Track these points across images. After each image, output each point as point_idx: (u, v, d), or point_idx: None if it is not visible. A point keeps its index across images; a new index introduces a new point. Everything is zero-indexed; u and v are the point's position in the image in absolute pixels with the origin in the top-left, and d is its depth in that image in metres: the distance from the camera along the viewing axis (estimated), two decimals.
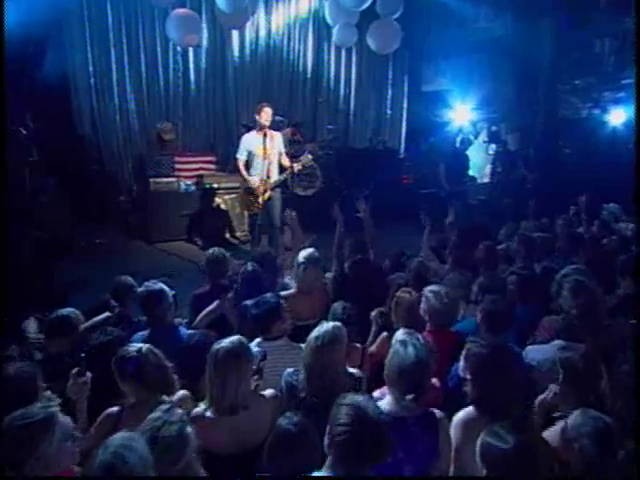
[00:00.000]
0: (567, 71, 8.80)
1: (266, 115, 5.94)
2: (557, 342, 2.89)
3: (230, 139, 9.44)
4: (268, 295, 3.12)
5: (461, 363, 2.51)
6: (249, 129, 6.47)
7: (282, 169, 6.23)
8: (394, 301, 3.17)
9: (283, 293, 3.62)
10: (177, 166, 7.82)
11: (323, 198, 8.55)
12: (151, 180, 7.42)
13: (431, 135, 11.84)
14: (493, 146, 11.93)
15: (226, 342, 2.34)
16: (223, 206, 7.81)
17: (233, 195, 7.64)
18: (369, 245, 4.35)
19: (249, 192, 6.12)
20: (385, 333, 3.11)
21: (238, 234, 7.80)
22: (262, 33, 9.87)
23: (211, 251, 3.97)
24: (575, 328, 2.94)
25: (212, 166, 8.55)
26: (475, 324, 3.17)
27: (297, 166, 6.22)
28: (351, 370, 2.64)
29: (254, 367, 2.45)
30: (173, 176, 7.65)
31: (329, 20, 9.63)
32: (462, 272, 3.95)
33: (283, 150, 6.28)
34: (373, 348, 3.11)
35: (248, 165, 6.14)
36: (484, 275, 3.95)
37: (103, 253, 6.92)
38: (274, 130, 6.31)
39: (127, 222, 7.80)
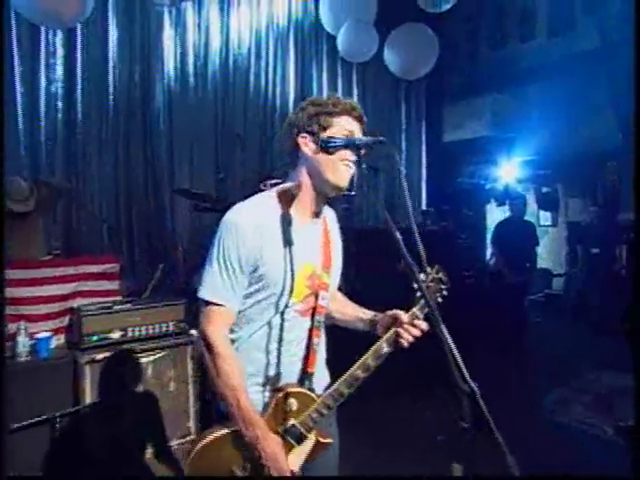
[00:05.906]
0: None
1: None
2: None
3: (160, 222, 5.42)
4: None
5: None
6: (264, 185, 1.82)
7: None
8: None
9: None
10: (15, 293, 2.99)
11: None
12: None
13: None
14: (547, 214, 8.71)
15: None
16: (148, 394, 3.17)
17: (161, 356, 3.19)
18: None
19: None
20: None
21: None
22: (214, 44, 6.01)
23: None
24: None
25: (112, 285, 3.48)
26: None
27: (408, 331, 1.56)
28: None
29: None
30: (6, 317, 2.87)
31: (324, 20, 5.97)
32: None
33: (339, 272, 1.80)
34: None
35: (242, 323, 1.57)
36: None
37: None
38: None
39: None
